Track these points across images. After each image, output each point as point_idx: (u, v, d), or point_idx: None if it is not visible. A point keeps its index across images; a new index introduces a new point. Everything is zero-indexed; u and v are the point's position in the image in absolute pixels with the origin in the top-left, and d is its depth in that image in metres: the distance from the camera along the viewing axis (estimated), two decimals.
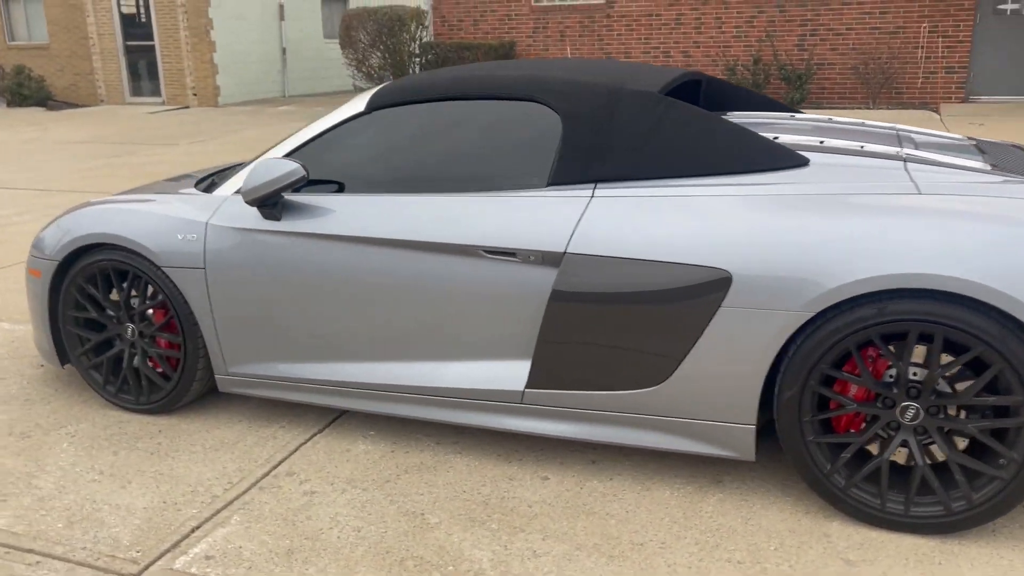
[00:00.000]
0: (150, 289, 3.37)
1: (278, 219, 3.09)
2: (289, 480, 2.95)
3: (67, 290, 3.46)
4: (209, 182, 3.68)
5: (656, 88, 2.93)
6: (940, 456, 2.47)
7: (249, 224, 3.14)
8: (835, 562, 2.40)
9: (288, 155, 3.23)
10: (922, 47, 12.95)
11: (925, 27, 12.89)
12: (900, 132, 3.34)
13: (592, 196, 2.75)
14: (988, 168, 2.71)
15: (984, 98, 12.94)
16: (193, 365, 3.33)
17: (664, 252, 2.57)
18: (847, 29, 13.27)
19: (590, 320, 2.67)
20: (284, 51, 20.21)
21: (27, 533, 2.67)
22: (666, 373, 2.64)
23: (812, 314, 2.42)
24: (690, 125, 2.77)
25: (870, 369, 2.48)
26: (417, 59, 15.11)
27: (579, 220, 2.71)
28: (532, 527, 2.63)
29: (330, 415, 3.44)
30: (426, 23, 15.18)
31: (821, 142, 2.95)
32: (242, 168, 3.48)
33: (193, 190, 3.51)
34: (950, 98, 13.03)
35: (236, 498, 2.85)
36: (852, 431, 2.56)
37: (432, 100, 3.10)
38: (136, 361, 3.47)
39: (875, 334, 2.38)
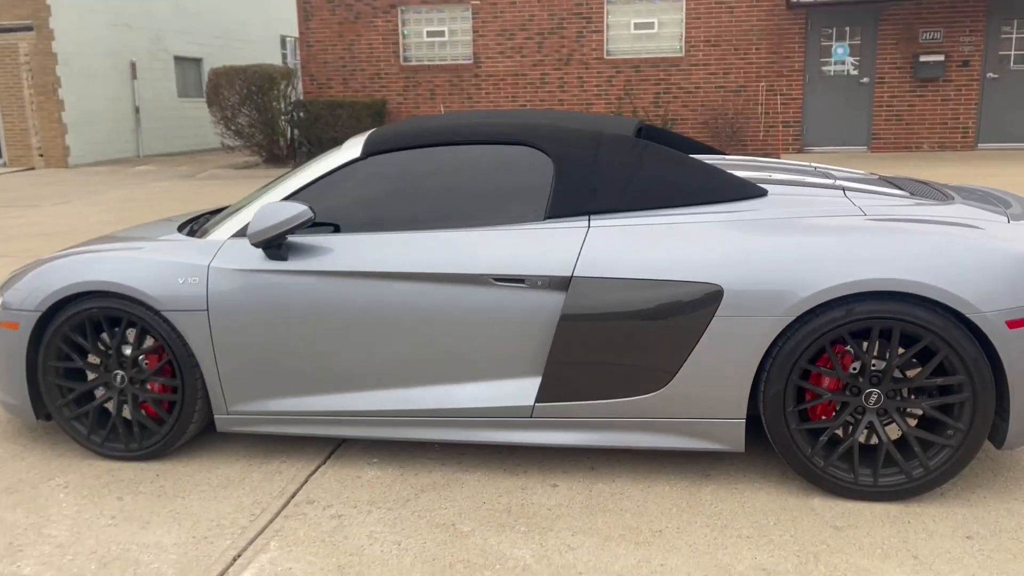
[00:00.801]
0: (145, 334, 3.41)
1: (284, 259, 3.25)
2: (312, 507, 3.07)
3: (50, 341, 3.43)
4: (189, 228, 3.77)
5: (629, 132, 3.34)
6: (896, 434, 2.94)
7: (254, 265, 3.27)
8: (825, 529, 2.81)
9: (286, 200, 3.40)
10: (761, 104, 14.34)
11: (763, 86, 14.29)
12: (818, 168, 3.91)
13: (589, 227, 3.10)
14: (907, 195, 3.28)
15: (817, 148, 14.43)
16: (191, 407, 3.38)
17: (663, 271, 2.95)
18: (696, 88, 14.50)
19: (599, 336, 3.00)
20: (137, 110, 19.64)
21: None
22: (666, 378, 3.00)
23: (792, 318, 2.85)
24: (665, 163, 3.19)
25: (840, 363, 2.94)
26: (286, 117, 15.15)
27: (581, 247, 3.05)
28: (559, 527, 2.89)
29: (328, 447, 3.57)
30: (295, 82, 15.28)
31: (770, 176, 3.45)
32: (229, 212, 3.60)
33: (179, 235, 3.60)
34: (788, 148, 14.45)
35: (265, 527, 2.94)
36: (825, 418, 3.00)
37: (428, 145, 3.37)
38: (126, 408, 3.47)
39: (845, 332, 2.84)
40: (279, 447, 3.59)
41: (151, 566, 2.72)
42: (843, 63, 14.18)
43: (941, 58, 13.69)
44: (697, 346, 2.95)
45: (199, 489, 3.24)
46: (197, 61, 22.07)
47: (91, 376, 3.57)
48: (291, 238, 3.31)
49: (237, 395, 3.35)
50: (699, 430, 3.05)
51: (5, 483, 3.34)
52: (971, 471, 3.17)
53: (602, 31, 14.57)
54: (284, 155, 15.40)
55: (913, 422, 2.94)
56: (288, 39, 25.26)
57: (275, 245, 3.23)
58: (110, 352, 3.44)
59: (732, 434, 3.03)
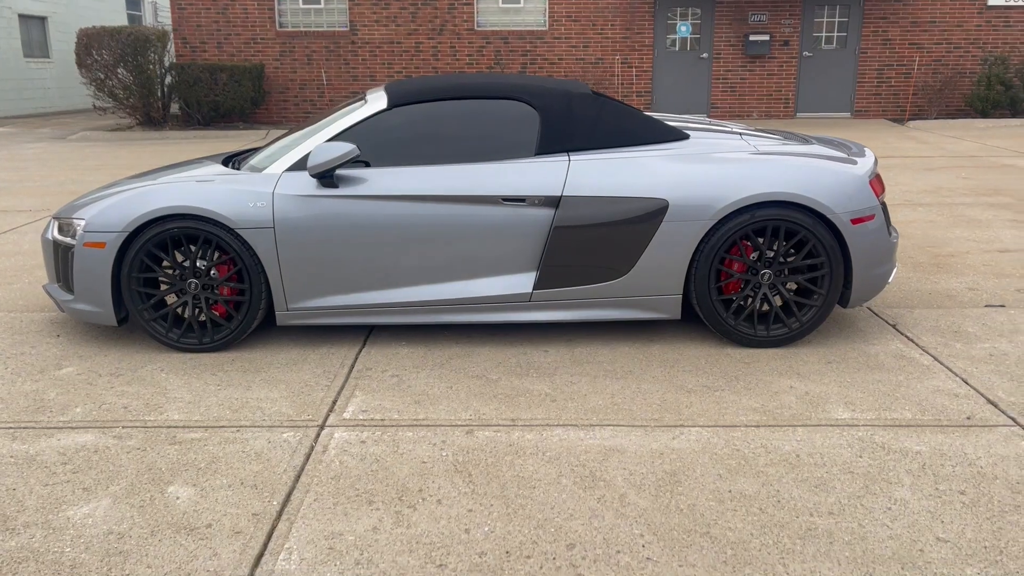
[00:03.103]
0: (218, 250, 4.28)
1: (335, 187, 4.21)
2: (372, 372, 4.10)
3: (134, 257, 4.23)
4: (233, 165, 4.64)
5: (590, 91, 4.53)
6: (779, 302, 4.31)
7: (310, 191, 4.22)
8: (739, 364, 4.15)
9: (330, 141, 4.35)
10: (618, 75, 15.91)
11: (618, 59, 15.86)
12: (714, 122, 5.25)
13: (569, 161, 4.27)
14: (781, 139, 4.67)
15: (662, 115, 16.17)
16: (256, 306, 4.30)
17: (627, 191, 4.17)
18: (559, 59, 15.86)
19: (581, 239, 4.18)
20: None
21: (205, 418, 3.59)
22: (628, 268, 4.23)
23: (715, 221, 4.15)
24: (619, 114, 4.41)
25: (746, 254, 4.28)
26: (161, 79, 15.25)
27: (567, 175, 4.21)
28: (559, 373, 4.07)
29: (362, 336, 4.58)
30: (168, 44, 15.38)
31: (687, 125, 4.75)
32: (275, 152, 4.50)
33: (232, 170, 4.47)
34: None
35: (344, 384, 3.95)
36: (735, 292, 4.34)
37: (442, 99, 4.42)
38: (198, 310, 4.34)
39: (750, 230, 4.18)
40: (321, 338, 4.56)
41: (272, 408, 3.68)
42: (686, 40, 15.96)
43: (767, 38, 15.73)
44: (650, 244, 4.20)
45: (274, 366, 4.18)
46: (42, 20, 21.24)
47: (167, 284, 4.38)
48: (339, 171, 4.27)
49: (296, 295, 4.30)
50: (650, 304, 4.31)
51: (108, 369, 4.14)
52: (827, 324, 4.62)
53: (472, 3, 15.62)
54: (160, 118, 15.50)
55: (789, 292, 4.33)
56: (145, 0, 24.58)
57: (328, 175, 4.19)
58: (187, 264, 4.28)
59: (672, 306, 4.31)
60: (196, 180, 4.34)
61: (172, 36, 15.81)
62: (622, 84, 15.92)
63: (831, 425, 3.45)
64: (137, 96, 15.04)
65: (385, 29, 15.70)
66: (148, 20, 24.66)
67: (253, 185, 4.27)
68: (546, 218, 4.20)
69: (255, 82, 15.32)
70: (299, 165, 4.33)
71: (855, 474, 3.05)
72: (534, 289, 4.28)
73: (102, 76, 14.82)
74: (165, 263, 4.35)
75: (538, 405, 3.69)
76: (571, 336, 4.58)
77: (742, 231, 4.18)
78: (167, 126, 15.39)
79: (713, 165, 4.24)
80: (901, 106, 15.92)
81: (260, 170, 4.40)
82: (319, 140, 4.40)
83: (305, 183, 4.26)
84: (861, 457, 3.17)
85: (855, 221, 4.18)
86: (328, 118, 4.75)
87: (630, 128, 4.39)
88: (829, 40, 15.88)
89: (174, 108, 15.82)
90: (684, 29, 15.89)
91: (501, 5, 15.70)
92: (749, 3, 15.68)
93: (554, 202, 4.19)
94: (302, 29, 15.81)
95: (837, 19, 15.73)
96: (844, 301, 4.36)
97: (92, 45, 14.72)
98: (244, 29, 15.80)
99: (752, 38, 15.70)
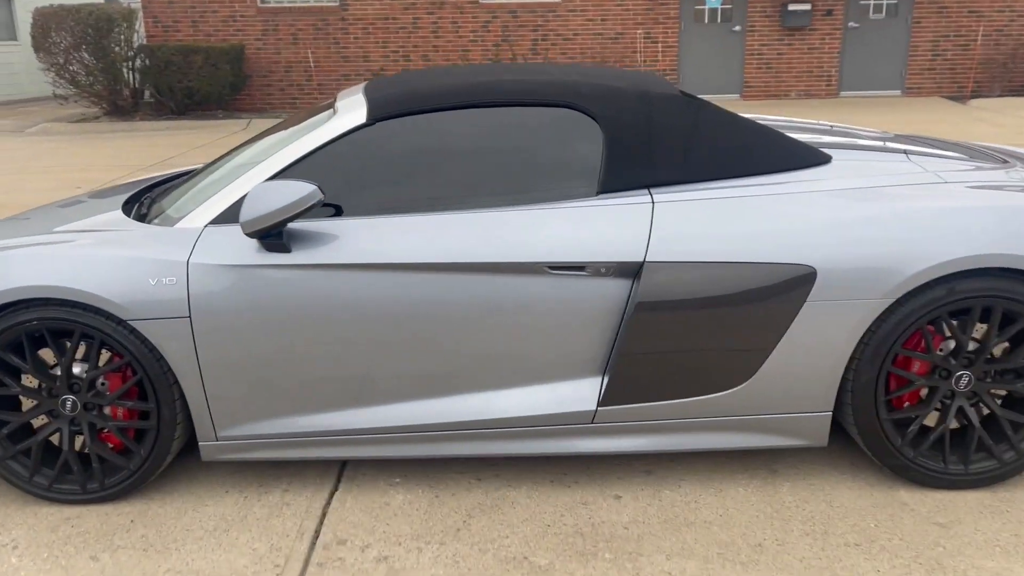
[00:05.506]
0: (103, 349, 2.73)
1: (287, 250, 2.65)
2: (347, 549, 2.56)
3: None
4: (137, 210, 3.07)
5: (674, 90, 2.95)
6: (975, 419, 2.76)
7: (247, 259, 2.65)
8: (931, 527, 2.60)
9: (274, 178, 2.78)
10: (640, 52, 14.23)
11: (640, 33, 14.18)
12: (835, 127, 3.66)
13: (653, 202, 2.70)
14: (964, 157, 3.08)
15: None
16: (168, 436, 2.75)
17: (748, 252, 2.60)
18: (574, 34, 14.19)
19: (676, 328, 2.62)
20: None
21: None
22: (749, 372, 2.68)
23: (892, 300, 2.59)
24: (724, 126, 2.83)
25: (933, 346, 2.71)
26: (130, 63, 13.60)
27: (651, 226, 2.65)
28: (647, 549, 2.53)
29: (334, 467, 3.03)
30: (136, 24, 13.71)
31: (819, 140, 3.16)
32: (195, 190, 2.94)
33: (131, 221, 2.91)
34: None
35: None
36: (911, 404, 2.78)
37: (449, 108, 2.84)
38: (81, 441, 2.79)
39: (944, 312, 2.61)
40: (273, 472, 3.02)
41: None
42: (716, 11, 14.26)
43: (807, 7, 14.03)
44: (785, 335, 2.64)
45: (193, 536, 2.64)
46: (8, 1, 19.54)
47: (29, 403, 2.84)
48: (293, 225, 2.71)
49: (229, 417, 2.75)
50: (779, 426, 2.76)
51: None
52: None
53: None
54: (129, 106, 13.87)
55: (999, 404, 2.79)
56: None
57: (275, 234, 2.63)
58: (57, 373, 2.73)
59: (816, 428, 2.76)
60: (69, 241, 2.78)
61: (142, 15, 14.13)
62: (644, 61, 14.25)
63: None
64: (101, 82, 13.40)
65: (379, 4, 14.01)
66: None
67: (156, 248, 2.70)
68: (618, 296, 2.65)
69: (234, 65, 13.65)
70: (230, 215, 2.77)
71: None
72: (600, 405, 2.72)
73: (61, 61, 13.18)
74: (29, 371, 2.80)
75: None
76: (651, 464, 3.03)
77: (932, 314, 2.62)
78: (137, 116, 13.75)
79: (883, 207, 2.67)
80: (959, 82, 14.23)
81: (173, 221, 2.83)
82: (259, 175, 2.82)
83: (240, 245, 2.70)
84: None
85: None
86: (281, 133, 3.17)
87: (744, 148, 2.81)
88: (878, 8, 14.15)
89: (147, 95, 14.19)
90: None
91: None
92: None
93: (631, 270, 2.63)
94: (286, 5, 14.13)
95: None
96: None
97: (50, 26, 13.07)
98: (222, 6, 14.12)
99: (791, 8, 13.98)
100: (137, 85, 13.90)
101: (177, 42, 13.90)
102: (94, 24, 12.99)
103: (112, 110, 13.85)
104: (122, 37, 13.26)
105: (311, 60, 14.26)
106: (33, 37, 13.30)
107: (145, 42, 14.03)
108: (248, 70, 14.25)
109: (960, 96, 14.06)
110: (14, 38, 19.94)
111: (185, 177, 3.41)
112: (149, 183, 3.67)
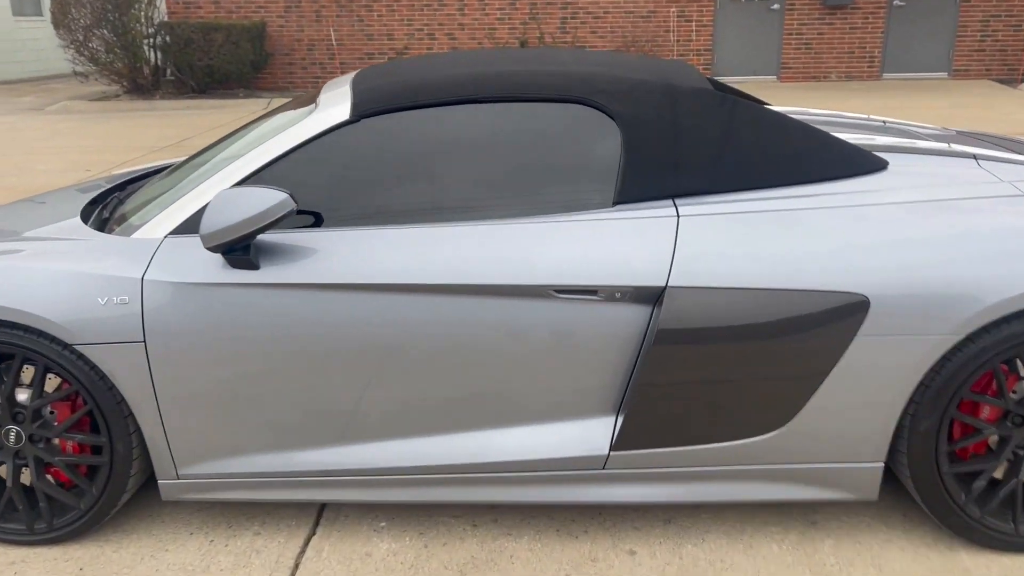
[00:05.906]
0: (49, 376, 2.41)
1: (256, 267, 2.30)
2: None
3: None
4: (97, 216, 2.74)
5: (705, 83, 2.55)
6: None
7: (210, 277, 2.31)
8: None
9: (242, 183, 2.43)
10: (673, 31, 13.69)
11: (674, 11, 13.63)
12: (888, 123, 3.23)
13: (678, 216, 2.31)
14: None
15: (726, 78, 13.97)
16: (123, 472, 2.43)
17: (789, 277, 2.21)
18: (604, 12, 13.68)
19: (702, 363, 2.24)
20: None
21: None
22: (788, 416, 2.29)
23: (961, 336, 2.19)
24: (761, 125, 2.43)
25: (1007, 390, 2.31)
26: (150, 41, 13.34)
27: (675, 245, 2.26)
28: None
29: (312, 508, 2.70)
30: (157, 1, 13.42)
31: (871, 141, 2.74)
32: (155, 195, 2.60)
33: (85, 228, 2.58)
34: None
35: None
36: (976, 455, 2.39)
37: (444, 103, 2.46)
38: (25, 476, 2.48)
39: (1023, 351, 2.21)
40: (246, 511, 2.70)
41: None
42: None
43: None
44: (832, 372, 2.25)
45: None
46: None
47: None
48: (262, 238, 2.36)
49: (190, 453, 2.42)
50: (821, 477, 2.38)
51: None
52: None
53: None
54: (149, 84, 13.62)
55: None
56: None
57: (241, 249, 2.28)
58: None
59: (866, 481, 2.37)
60: (9, 253, 2.46)
61: None
62: (677, 41, 13.71)
63: None
64: (121, 60, 13.14)
65: None
66: None
67: (108, 263, 2.37)
68: (636, 324, 2.27)
69: (256, 43, 13.33)
70: (193, 224, 2.43)
71: None
72: (613, 450, 2.36)
73: (81, 38, 12.94)
74: None
75: None
76: (671, 512, 2.66)
77: (1007, 352, 2.22)
78: (157, 94, 13.50)
79: (950, 224, 2.26)
80: (1010, 64, 13.51)
81: (133, 230, 2.50)
82: (225, 180, 2.47)
83: (202, 259, 2.35)
84: None
85: None
86: (260, 128, 2.82)
87: (785, 152, 2.41)
88: None
89: (168, 73, 13.93)
90: None
91: None
92: None
93: (651, 295, 2.25)
94: None
95: None
96: None
97: (69, 2, 12.82)
98: None
99: None
100: (158, 63, 13.64)
101: (198, 19, 13.61)
102: (114, 0, 12.73)
103: (132, 88, 13.62)
104: (142, 14, 12.99)
105: (334, 38, 13.90)
106: (52, 14, 13.08)
107: (166, 19, 13.76)
108: (270, 48, 13.94)
109: (1011, 79, 13.36)
110: (40, 14, 19.81)
111: (163, 173, 3.08)
112: (125, 179, 3.35)
